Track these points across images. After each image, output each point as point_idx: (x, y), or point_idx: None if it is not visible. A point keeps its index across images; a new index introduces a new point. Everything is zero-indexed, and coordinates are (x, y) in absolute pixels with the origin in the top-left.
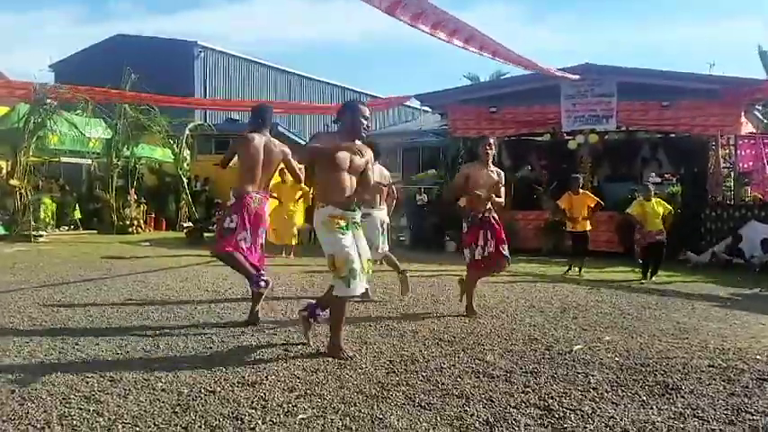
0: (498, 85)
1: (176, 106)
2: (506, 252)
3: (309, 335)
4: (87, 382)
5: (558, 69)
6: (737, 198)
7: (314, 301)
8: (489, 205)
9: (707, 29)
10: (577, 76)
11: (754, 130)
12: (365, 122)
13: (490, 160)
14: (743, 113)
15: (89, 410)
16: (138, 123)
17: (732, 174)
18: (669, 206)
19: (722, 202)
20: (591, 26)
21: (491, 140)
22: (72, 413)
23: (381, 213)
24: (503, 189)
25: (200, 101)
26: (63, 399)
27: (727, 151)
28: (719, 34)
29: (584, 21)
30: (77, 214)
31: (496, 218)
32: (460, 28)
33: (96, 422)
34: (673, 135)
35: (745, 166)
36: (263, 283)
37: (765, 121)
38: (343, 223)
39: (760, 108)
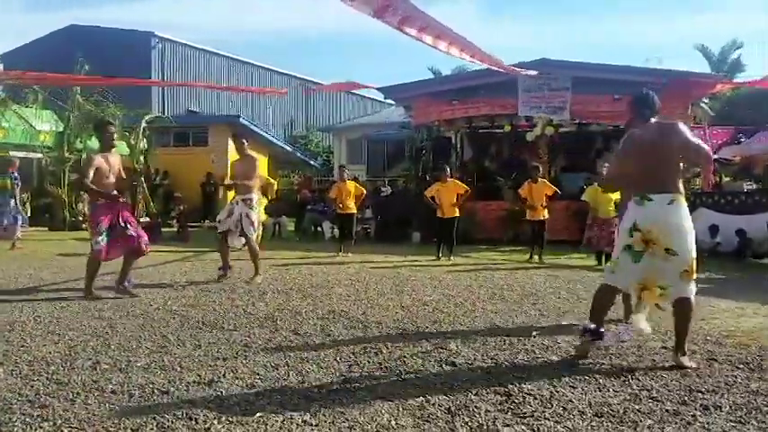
0: (460, 79)
1: (129, 84)
2: None
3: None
4: (32, 386)
5: (516, 65)
6: (686, 187)
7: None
8: None
9: (656, 26)
10: (535, 72)
11: (702, 123)
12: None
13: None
14: (690, 106)
15: (33, 416)
16: (91, 115)
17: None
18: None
19: None
20: (547, 22)
21: None
22: (14, 419)
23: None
24: None
25: (154, 81)
26: (5, 404)
27: None
28: (668, 31)
29: (541, 16)
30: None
31: None
32: (431, 25)
33: (40, 427)
34: (623, 127)
35: None
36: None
37: (712, 113)
38: None
39: (707, 101)
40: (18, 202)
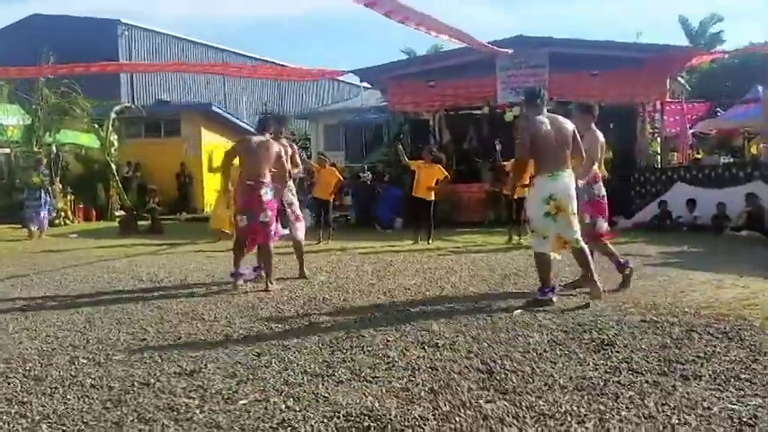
0: (435, 59)
1: (95, 72)
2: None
3: None
4: (9, 383)
5: (491, 43)
6: (664, 162)
7: None
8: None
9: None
10: (510, 51)
11: (680, 97)
12: None
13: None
14: (668, 80)
15: (10, 413)
16: (59, 107)
17: (659, 139)
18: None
19: (649, 167)
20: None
21: None
22: None
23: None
24: None
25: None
26: None
27: (655, 117)
28: (645, 4)
29: None
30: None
31: None
32: (411, 16)
33: (18, 424)
34: (602, 104)
35: (671, 131)
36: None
37: (689, 87)
38: None
39: (684, 75)
40: (51, 194)
